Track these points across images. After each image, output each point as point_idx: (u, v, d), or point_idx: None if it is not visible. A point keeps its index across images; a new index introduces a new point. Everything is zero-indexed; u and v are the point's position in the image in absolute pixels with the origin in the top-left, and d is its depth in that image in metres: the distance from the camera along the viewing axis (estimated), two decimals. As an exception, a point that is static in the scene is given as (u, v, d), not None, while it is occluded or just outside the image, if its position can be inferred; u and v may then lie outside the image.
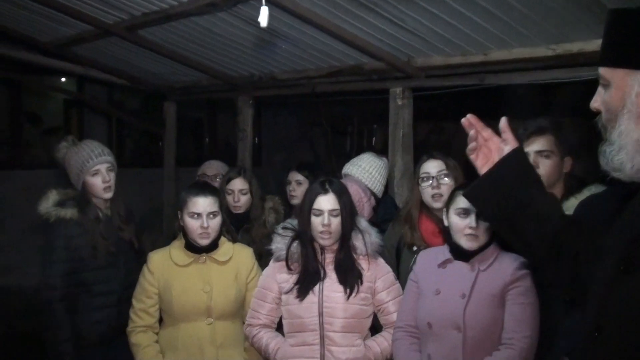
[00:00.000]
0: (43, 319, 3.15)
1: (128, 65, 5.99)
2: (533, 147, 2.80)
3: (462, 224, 2.64)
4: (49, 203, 3.18)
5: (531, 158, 2.78)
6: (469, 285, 2.58)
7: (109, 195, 3.29)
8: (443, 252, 2.74)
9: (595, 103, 1.51)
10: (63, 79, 8.11)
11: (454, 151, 7.95)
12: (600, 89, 1.49)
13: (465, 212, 2.63)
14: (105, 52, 5.66)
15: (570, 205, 2.66)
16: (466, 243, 2.63)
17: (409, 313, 2.74)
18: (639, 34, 1.39)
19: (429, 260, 2.77)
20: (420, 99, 4.67)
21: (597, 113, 1.52)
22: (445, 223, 2.76)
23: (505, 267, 2.61)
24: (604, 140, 1.47)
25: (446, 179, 3.09)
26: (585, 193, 2.66)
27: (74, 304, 3.16)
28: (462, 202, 2.64)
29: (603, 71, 1.47)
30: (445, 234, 2.79)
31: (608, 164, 1.44)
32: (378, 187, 3.71)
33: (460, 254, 2.67)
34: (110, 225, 3.33)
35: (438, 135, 8.18)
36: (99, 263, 3.21)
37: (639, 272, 1.37)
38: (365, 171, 3.68)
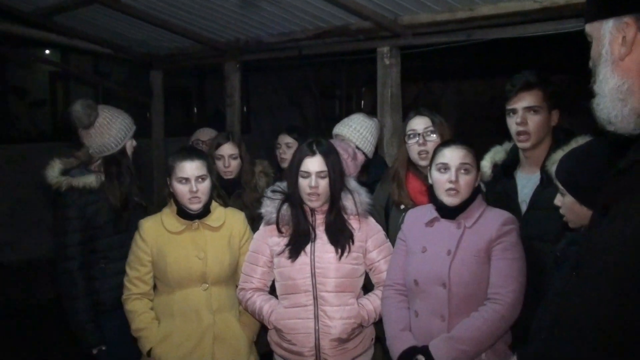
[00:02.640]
0: (62, 288, 3.18)
1: (112, 33, 5.91)
2: (522, 103, 2.80)
3: (442, 179, 2.63)
4: (55, 172, 3.17)
5: (520, 114, 2.80)
6: (455, 242, 2.59)
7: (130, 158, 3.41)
8: (430, 210, 2.74)
9: (590, 62, 1.53)
10: (47, 51, 7.99)
11: (443, 111, 7.99)
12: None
13: (445, 167, 2.63)
14: (88, 21, 5.58)
15: (557, 158, 2.66)
16: (447, 199, 2.63)
17: (397, 271, 2.76)
18: None
19: (417, 219, 2.78)
20: (407, 60, 4.65)
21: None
22: (430, 181, 2.75)
23: (490, 223, 2.62)
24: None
25: (433, 135, 3.08)
26: (572, 145, 2.66)
27: (91, 271, 3.20)
28: (442, 156, 2.65)
29: (587, 28, 1.51)
30: (431, 193, 2.78)
31: (598, 117, 1.45)
32: (369, 148, 3.69)
33: (446, 212, 2.67)
34: (130, 190, 3.36)
35: (426, 96, 8.17)
36: (113, 229, 3.25)
37: (615, 210, 1.38)
38: (356, 131, 3.65)
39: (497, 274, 2.55)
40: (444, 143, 2.77)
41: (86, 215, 3.17)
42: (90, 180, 3.19)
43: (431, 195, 2.77)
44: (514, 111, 2.83)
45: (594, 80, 1.48)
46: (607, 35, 1.42)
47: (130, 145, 3.41)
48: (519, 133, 2.81)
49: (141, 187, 3.58)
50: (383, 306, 2.78)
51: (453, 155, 2.64)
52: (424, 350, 2.51)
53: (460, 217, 2.65)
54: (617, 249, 1.32)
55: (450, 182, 2.60)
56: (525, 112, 2.80)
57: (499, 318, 2.49)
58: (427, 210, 2.76)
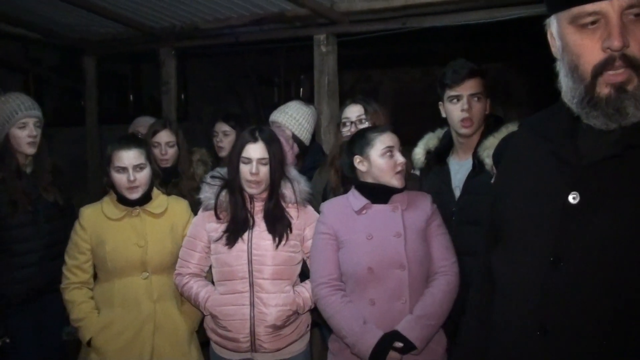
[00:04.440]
0: None
1: (42, 18, 5.69)
2: (467, 90, 2.83)
3: (391, 163, 2.68)
4: None
5: (465, 100, 2.82)
6: (400, 224, 2.64)
7: (32, 150, 3.21)
8: (353, 198, 2.75)
9: (622, 40, 1.35)
10: (-27, 37, 7.68)
11: (381, 98, 8.07)
12: (621, 24, 1.36)
13: (391, 151, 2.68)
14: (15, 4, 5.37)
15: (489, 144, 2.74)
16: (397, 181, 2.69)
17: (330, 267, 2.70)
18: None
19: (340, 210, 2.76)
20: (345, 47, 4.68)
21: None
22: (363, 168, 2.74)
23: (421, 203, 2.73)
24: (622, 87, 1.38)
25: (365, 123, 3.12)
26: (503, 131, 2.73)
27: None
28: (384, 141, 2.69)
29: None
30: (353, 181, 2.81)
31: (628, 110, 1.35)
32: (306, 135, 3.70)
33: (377, 197, 2.71)
34: (32, 182, 3.23)
35: (365, 83, 8.23)
36: (18, 221, 3.13)
37: (591, 201, 1.38)
38: (293, 118, 3.66)
39: (439, 249, 2.68)
40: (375, 129, 2.80)
41: None
42: None
43: (353, 181, 2.80)
44: (459, 97, 2.84)
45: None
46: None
47: (25, 134, 3.20)
48: (463, 119, 2.84)
49: (67, 189, 3.47)
50: (325, 306, 2.67)
51: (395, 140, 2.72)
52: (396, 336, 2.53)
53: (394, 201, 2.70)
54: (607, 242, 1.33)
55: (400, 164, 2.68)
56: (470, 99, 2.83)
57: (453, 288, 2.64)
58: (349, 199, 2.77)
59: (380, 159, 2.69)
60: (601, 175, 1.38)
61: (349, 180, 2.84)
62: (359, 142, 2.77)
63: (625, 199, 1.33)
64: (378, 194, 2.71)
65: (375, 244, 2.63)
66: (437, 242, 2.69)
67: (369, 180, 2.73)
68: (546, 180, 1.50)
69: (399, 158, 2.68)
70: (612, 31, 1.32)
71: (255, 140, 2.83)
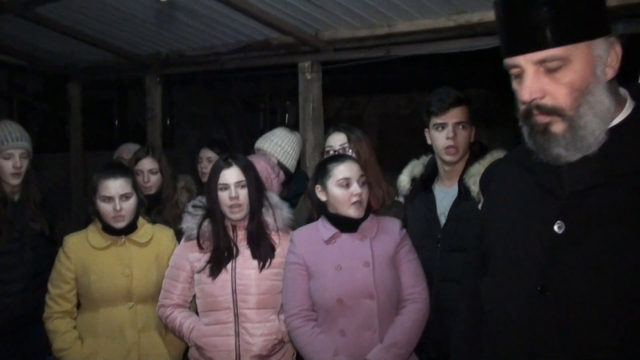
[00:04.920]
0: None
1: (26, 45, 5.70)
2: (453, 118, 2.84)
3: (347, 194, 2.68)
4: None
5: (450, 129, 2.84)
6: (368, 253, 2.64)
7: (16, 181, 3.19)
8: (323, 228, 2.75)
9: (534, 92, 1.40)
10: (-43, 63, 7.64)
11: (366, 124, 8.10)
12: (535, 77, 1.40)
13: (347, 182, 2.68)
14: (0, 32, 5.38)
15: (474, 172, 2.75)
16: (354, 212, 2.68)
17: (301, 297, 2.69)
18: (590, 5, 1.38)
19: (311, 239, 2.76)
20: (330, 74, 4.71)
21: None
22: (322, 198, 2.77)
23: (390, 229, 2.74)
24: (535, 129, 1.43)
25: (349, 151, 3.12)
26: (488, 159, 2.75)
27: None
28: (341, 172, 2.70)
29: (555, 52, 1.37)
30: (321, 210, 2.81)
31: (568, 144, 1.39)
32: (291, 162, 3.72)
33: (346, 226, 2.71)
34: (19, 210, 3.21)
35: (350, 109, 8.27)
36: (2, 248, 3.10)
37: (576, 231, 1.40)
38: (278, 146, 3.68)
39: (408, 275, 2.68)
40: (335, 159, 2.81)
41: None
42: None
43: (322, 211, 2.80)
44: (444, 126, 2.85)
45: (574, 106, 1.38)
46: (601, 54, 1.37)
47: (10, 165, 3.18)
48: (448, 147, 2.85)
49: (53, 219, 3.45)
50: (296, 337, 2.66)
51: (352, 170, 2.71)
52: None
53: (362, 229, 2.71)
54: (592, 271, 1.33)
55: (356, 194, 2.66)
56: (455, 127, 2.84)
57: (422, 315, 2.64)
58: (318, 229, 2.77)
59: (337, 190, 2.70)
60: (585, 204, 1.39)
61: (319, 208, 2.85)
62: (320, 172, 2.79)
63: (609, 228, 1.34)
64: (346, 223, 2.71)
65: (344, 275, 2.62)
66: (407, 268, 2.69)
67: (331, 210, 2.75)
68: (532, 210, 1.51)
69: (356, 189, 2.67)
70: (524, 85, 1.40)
71: (229, 165, 2.84)
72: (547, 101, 1.39)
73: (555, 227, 1.42)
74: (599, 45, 1.37)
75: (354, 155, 3.07)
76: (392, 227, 2.76)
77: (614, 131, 1.38)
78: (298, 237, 2.81)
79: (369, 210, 2.77)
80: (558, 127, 1.39)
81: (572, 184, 1.42)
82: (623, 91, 1.44)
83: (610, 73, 1.38)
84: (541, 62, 1.38)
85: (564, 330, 1.37)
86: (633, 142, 1.35)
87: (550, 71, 1.38)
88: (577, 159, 1.40)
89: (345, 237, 2.70)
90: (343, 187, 2.68)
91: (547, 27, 1.36)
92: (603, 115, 1.37)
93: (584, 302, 1.34)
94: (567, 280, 1.38)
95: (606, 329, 1.31)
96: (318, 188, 2.77)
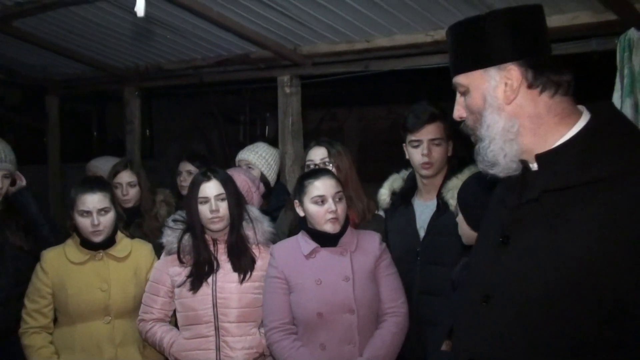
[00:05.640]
0: None
1: (4, 57, 5.65)
2: (428, 135, 2.89)
3: (322, 210, 2.70)
4: None
5: (425, 145, 2.88)
6: (348, 267, 2.67)
7: None
8: (303, 242, 2.77)
9: (458, 112, 1.60)
10: None
11: (346, 136, 8.12)
12: (459, 98, 1.60)
13: (322, 199, 2.70)
14: (-24, 45, 5.34)
15: (452, 186, 2.79)
16: (331, 227, 2.70)
17: (281, 311, 2.71)
18: (481, 38, 1.51)
19: (291, 253, 2.78)
20: (310, 87, 4.73)
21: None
22: (301, 213, 2.80)
23: (370, 244, 2.76)
24: (476, 143, 1.57)
25: (329, 165, 3.15)
26: (466, 173, 2.78)
27: None
28: (315, 189, 2.72)
29: (459, 79, 1.56)
30: (301, 225, 2.83)
31: (484, 161, 1.53)
32: (272, 176, 3.78)
33: (325, 240, 2.73)
34: None
35: (330, 121, 8.29)
36: None
37: (516, 241, 1.48)
38: (262, 158, 3.73)
39: (387, 289, 2.71)
40: (311, 175, 2.84)
41: None
42: None
43: (302, 225, 2.82)
44: (419, 142, 2.90)
45: (476, 127, 1.55)
46: (492, 82, 1.49)
47: None
48: (423, 163, 2.90)
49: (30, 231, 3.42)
50: (276, 351, 2.68)
51: (327, 186, 2.73)
52: None
53: (342, 244, 2.73)
54: (527, 278, 1.41)
55: (331, 212, 2.68)
56: (430, 144, 2.89)
57: (402, 329, 2.66)
58: (299, 243, 2.78)
59: (312, 206, 2.73)
60: (521, 217, 1.48)
61: (299, 223, 2.87)
62: (298, 187, 2.82)
63: (540, 239, 1.42)
64: (326, 237, 2.73)
65: (324, 289, 2.64)
66: (386, 282, 2.72)
67: (309, 225, 2.77)
68: (491, 222, 1.64)
69: (330, 206, 2.69)
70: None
71: (209, 179, 2.85)
72: (467, 122, 1.59)
73: (500, 239, 1.52)
74: (490, 73, 1.49)
75: (334, 169, 3.09)
76: (371, 241, 2.78)
77: (557, 149, 1.45)
78: (278, 251, 2.82)
79: (347, 224, 2.78)
80: (478, 145, 1.55)
81: (512, 198, 1.53)
82: (579, 109, 1.50)
83: (510, 97, 1.48)
84: (456, 86, 1.58)
85: (501, 335, 1.45)
86: (565, 161, 1.42)
87: (463, 95, 1.57)
88: (521, 174, 1.52)
89: (325, 251, 2.72)
90: (318, 204, 2.70)
91: (453, 56, 1.58)
92: (502, 136, 1.49)
93: (518, 309, 1.42)
94: (504, 288, 1.46)
95: (536, 334, 1.38)
96: (296, 203, 2.80)
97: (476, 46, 1.52)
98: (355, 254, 2.71)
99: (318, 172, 2.86)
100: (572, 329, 1.32)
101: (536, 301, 1.38)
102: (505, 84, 1.48)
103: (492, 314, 1.48)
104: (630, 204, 1.29)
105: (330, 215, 2.68)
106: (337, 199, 2.72)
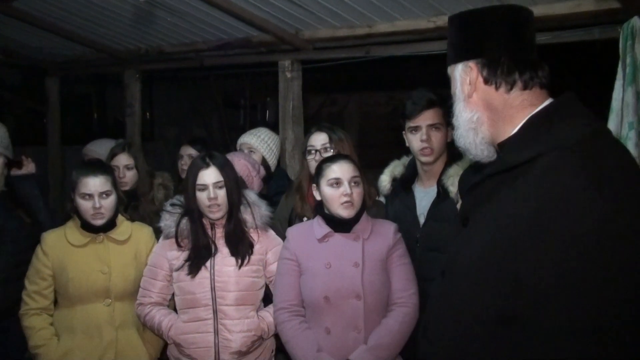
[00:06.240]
0: None
1: (4, 38, 5.63)
2: (426, 120, 2.88)
3: (337, 194, 2.70)
4: None
5: (423, 131, 2.88)
6: (359, 253, 2.66)
7: None
8: (317, 226, 2.78)
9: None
10: None
11: (347, 121, 8.11)
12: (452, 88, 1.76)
13: (337, 182, 2.71)
14: (-24, 25, 5.32)
15: (453, 172, 2.79)
16: (344, 212, 2.69)
17: (290, 292, 2.73)
18: (457, 35, 1.70)
19: (304, 236, 2.79)
20: (311, 72, 4.72)
21: None
22: (317, 197, 2.80)
23: (385, 232, 2.75)
24: None
25: (330, 151, 3.15)
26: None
27: None
28: (332, 172, 2.72)
29: (448, 70, 1.74)
30: (319, 208, 2.84)
31: (459, 146, 1.70)
32: (273, 161, 3.78)
33: (340, 225, 2.73)
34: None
35: (330, 107, 8.28)
36: None
37: (470, 222, 1.61)
38: (265, 142, 3.73)
39: (398, 279, 2.68)
40: (330, 159, 2.84)
41: None
42: None
43: (319, 210, 2.82)
44: (418, 128, 2.90)
45: (452, 114, 1.71)
46: (458, 77, 1.67)
47: None
48: (422, 149, 2.89)
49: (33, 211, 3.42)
50: (283, 330, 2.71)
51: (343, 170, 2.72)
52: None
53: (356, 230, 2.72)
54: (470, 254, 1.52)
55: (346, 195, 2.68)
56: (429, 129, 2.88)
57: (410, 320, 2.63)
58: (313, 227, 2.79)
59: (327, 189, 2.73)
60: (469, 200, 1.66)
61: (317, 206, 2.87)
62: (316, 171, 2.83)
63: (478, 220, 1.56)
64: (340, 222, 2.73)
65: (333, 273, 2.65)
66: (398, 272, 2.71)
67: (325, 209, 2.77)
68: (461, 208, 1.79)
69: (346, 189, 2.69)
70: None
71: (207, 165, 2.84)
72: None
73: (461, 221, 1.66)
74: (458, 68, 1.67)
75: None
76: (386, 230, 2.76)
77: (510, 137, 1.59)
78: (293, 233, 2.84)
79: (363, 210, 2.77)
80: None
81: (466, 183, 1.72)
82: (542, 102, 1.60)
83: (471, 91, 1.64)
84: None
85: (446, 307, 1.60)
86: (508, 147, 1.57)
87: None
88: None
89: (338, 236, 2.73)
90: (333, 186, 2.71)
91: (447, 47, 1.75)
92: (465, 125, 1.66)
93: (460, 284, 1.55)
94: (453, 265, 1.61)
95: (473, 306, 1.49)
96: (314, 187, 2.81)
97: (455, 42, 1.70)
98: (368, 241, 2.71)
99: (337, 156, 2.86)
100: (482, 301, 1.46)
101: (464, 275, 1.52)
102: (468, 80, 1.64)
103: (442, 287, 1.64)
104: (534, 184, 1.40)
105: (345, 199, 2.67)
106: (353, 183, 2.71)
